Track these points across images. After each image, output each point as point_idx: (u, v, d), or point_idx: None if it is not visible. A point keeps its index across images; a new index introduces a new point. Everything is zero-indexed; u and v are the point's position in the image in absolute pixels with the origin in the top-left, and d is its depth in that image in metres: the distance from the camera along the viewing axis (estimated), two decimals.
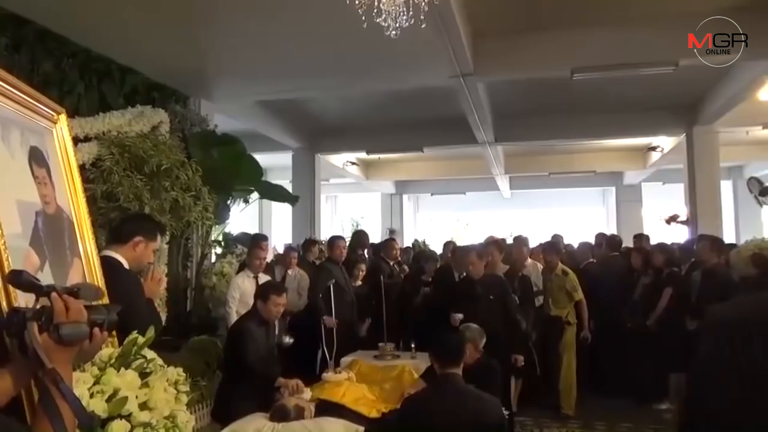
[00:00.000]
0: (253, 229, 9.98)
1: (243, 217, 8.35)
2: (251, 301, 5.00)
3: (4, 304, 1.18)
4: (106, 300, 1.49)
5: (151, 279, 2.51)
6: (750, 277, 4.55)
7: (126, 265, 2.36)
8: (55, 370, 1.01)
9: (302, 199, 9.68)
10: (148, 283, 2.48)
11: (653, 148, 11.50)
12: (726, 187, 12.44)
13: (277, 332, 4.03)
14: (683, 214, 9.16)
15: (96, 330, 1.16)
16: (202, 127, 6.16)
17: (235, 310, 4.88)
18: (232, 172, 5.57)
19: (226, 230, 7.45)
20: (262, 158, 6.13)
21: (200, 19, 4.84)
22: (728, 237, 9.17)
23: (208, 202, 4.86)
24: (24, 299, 1.19)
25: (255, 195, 6.17)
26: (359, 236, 6.95)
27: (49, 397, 0.99)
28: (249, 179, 5.89)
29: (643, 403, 5.56)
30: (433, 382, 2.63)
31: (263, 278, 5.19)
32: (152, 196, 4.41)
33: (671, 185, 13.29)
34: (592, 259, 6.61)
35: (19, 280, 1.10)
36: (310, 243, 7.18)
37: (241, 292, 5.00)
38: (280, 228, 12.17)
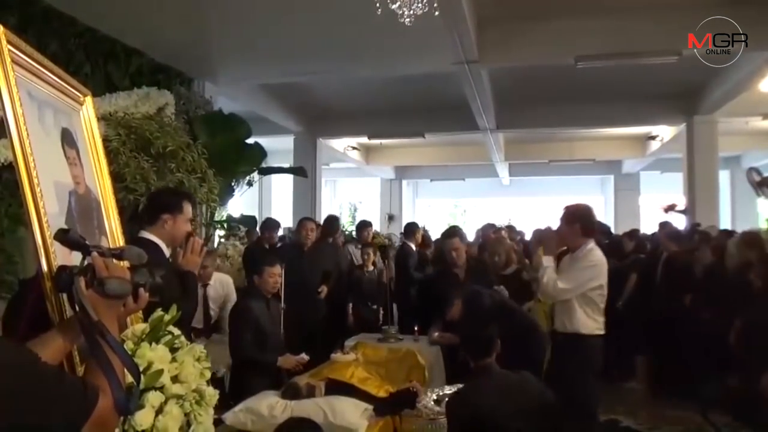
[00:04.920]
0: (253, 213, 10.01)
1: (243, 200, 8.39)
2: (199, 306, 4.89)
3: (45, 268, 1.23)
4: None
5: (192, 251, 2.46)
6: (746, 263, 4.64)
7: (162, 245, 2.36)
8: (102, 323, 1.07)
9: (303, 183, 9.75)
10: (187, 254, 2.45)
11: (653, 137, 11.56)
12: (723, 177, 12.54)
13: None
14: (681, 203, 9.23)
15: (141, 290, 1.23)
16: (207, 110, 6.18)
17: None
18: (236, 154, 5.61)
19: (228, 212, 7.50)
20: (264, 142, 6.15)
21: (205, 0, 4.84)
22: (724, 226, 9.28)
23: (213, 184, 4.89)
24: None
25: (257, 175, 6.21)
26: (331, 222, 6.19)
27: (98, 349, 1.04)
28: (252, 161, 5.93)
29: (610, 383, 5.72)
30: (471, 375, 2.51)
31: (212, 286, 4.68)
32: (158, 178, 4.44)
33: (669, 174, 13.38)
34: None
35: (67, 237, 1.17)
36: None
37: None
38: (280, 211, 12.20)
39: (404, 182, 17.91)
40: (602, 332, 3.24)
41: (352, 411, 2.65)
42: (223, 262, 5.72)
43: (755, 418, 4.35)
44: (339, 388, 2.91)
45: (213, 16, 5.17)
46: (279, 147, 10.49)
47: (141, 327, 1.47)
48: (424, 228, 9.87)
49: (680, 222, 8.65)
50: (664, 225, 6.94)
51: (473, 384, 2.45)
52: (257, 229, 6.86)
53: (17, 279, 3.51)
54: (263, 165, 6.36)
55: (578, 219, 3.34)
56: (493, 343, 2.47)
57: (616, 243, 6.72)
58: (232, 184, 5.86)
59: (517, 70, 7.13)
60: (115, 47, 5.34)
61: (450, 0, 3.99)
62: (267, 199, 14.26)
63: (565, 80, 7.70)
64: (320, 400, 2.75)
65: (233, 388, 3.41)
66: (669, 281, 5.44)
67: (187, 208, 2.45)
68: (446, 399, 2.57)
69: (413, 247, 6.32)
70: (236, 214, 8.20)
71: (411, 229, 6.52)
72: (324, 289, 5.16)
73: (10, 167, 2.64)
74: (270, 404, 2.66)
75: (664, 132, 10.94)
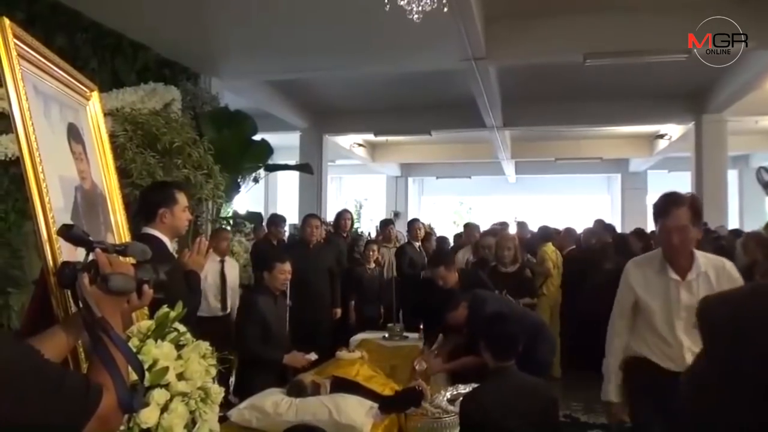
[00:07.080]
0: (258, 209, 10.02)
1: (249, 197, 8.39)
2: (217, 281, 4.70)
3: (50, 264, 1.23)
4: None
5: (198, 252, 2.45)
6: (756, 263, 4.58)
7: (165, 240, 2.36)
8: (105, 319, 1.05)
9: (309, 179, 9.74)
10: (193, 255, 2.43)
11: (661, 136, 11.49)
12: (732, 176, 12.45)
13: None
14: None
15: (144, 287, 1.22)
16: (213, 105, 6.18)
17: None
18: (242, 150, 5.61)
19: (233, 209, 7.50)
20: (270, 138, 6.14)
21: None
22: (733, 226, 9.22)
23: (220, 180, 4.89)
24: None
25: (263, 172, 6.20)
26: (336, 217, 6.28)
27: (101, 346, 1.03)
28: (258, 158, 5.92)
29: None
30: (488, 376, 2.44)
31: (229, 261, 4.92)
32: (165, 174, 4.44)
33: (677, 173, 13.30)
34: (573, 246, 6.78)
35: (70, 233, 1.15)
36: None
37: (204, 274, 4.70)
38: (286, 208, 12.21)
39: (410, 179, 17.90)
40: None
41: (357, 409, 2.63)
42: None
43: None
44: (344, 385, 2.90)
45: (219, 11, 5.16)
46: (285, 143, 10.49)
47: (146, 324, 1.46)
48: (429, 226, 9.83)
49: None
50: (637, 231, 6.87)
51: (489, 385, 2.39)
52: (264, 225, 6.85)
53: (23, 274, 3.52)
54: (269, 162, 6.35)
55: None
56: (517, 343, 2.40)
57: (623, 242, 6.67)
58: (238, 180, 5.86)
59: (524, 67, 7.08)
60: (122, 42, 5.34)
61: None
62: (273, 195, 14.28)
63: (572, 78, 7.65)
64: (325, 398, 2.74)
65: (238, 386, 3.40)
66: None
67: (181, 197, 2.43)
68: (461, 398, 2.53)
69: (415, 245, 6.31)
70: (242, 211, 8.20)
71: (410, 226, 6.51)
72: (338, 312, 5.26)
73: (17, 162, 2.63)
74: (275, 402, 2.65)
75: (673, 131, 10.87)
